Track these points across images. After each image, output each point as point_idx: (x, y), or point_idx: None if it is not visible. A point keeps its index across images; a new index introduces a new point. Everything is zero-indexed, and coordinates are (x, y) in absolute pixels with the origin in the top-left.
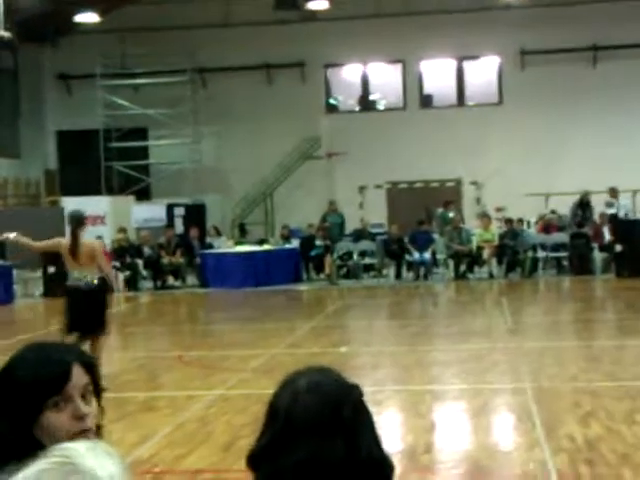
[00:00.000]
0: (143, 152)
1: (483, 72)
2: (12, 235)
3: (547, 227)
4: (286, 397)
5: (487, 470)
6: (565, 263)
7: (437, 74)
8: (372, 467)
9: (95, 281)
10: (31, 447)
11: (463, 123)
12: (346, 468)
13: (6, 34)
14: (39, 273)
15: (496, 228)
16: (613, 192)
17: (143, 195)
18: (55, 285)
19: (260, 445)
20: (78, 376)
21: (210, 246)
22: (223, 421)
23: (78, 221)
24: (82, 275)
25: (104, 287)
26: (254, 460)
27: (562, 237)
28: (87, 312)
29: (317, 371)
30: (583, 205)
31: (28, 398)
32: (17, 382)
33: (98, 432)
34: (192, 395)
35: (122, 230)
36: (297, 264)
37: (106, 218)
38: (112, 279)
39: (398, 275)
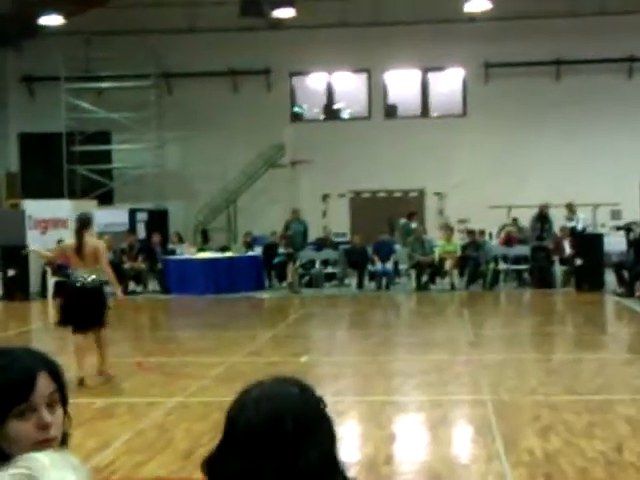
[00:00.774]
0: (106, 156)
1: (447, 84)
2: (32, 248)
3: (509, 240)
4: (236, 407)
5: None
6: (526, 276)
7: (402, 84)
8: None
9: (97, 280)
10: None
11: (427, 134)
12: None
13: None
14: None
15: (458, 239)
16: (570, 208)
17: (106, 199)
18: (14, 288)
19: (211, 451)
20: (44, 384)
21: (172, 252)
22: (183, 428)
23: (84, 223)
24: (86, 274)
25: (103, 285)
26: (206, 465)
27: (523, 250)
28: (87, 309)
29: (276, 383)
30: (542, 218)
31: None
32: None
33: (65, 440)
34: (152, 402)
35: None
36: (259, 272)
37: (68, 222)
38: (113, 280)
39: (360, 285)
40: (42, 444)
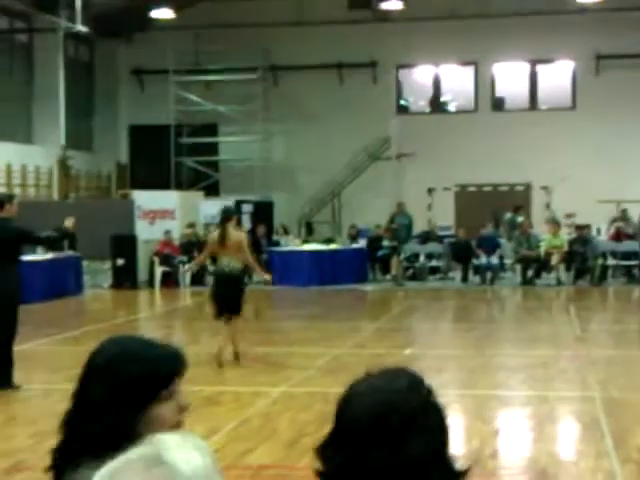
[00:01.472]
0: (213, 148)
1: (556, 76)
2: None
3: (618, 235)
4: (343, 398)
5: (554, 478)
6: (635, 272)
7: (510, 77)
8: (414, 476)
9: (237, 267)
10: (132, 439)
11: (535, 127)
12: (384, 475)
13: (83, 28)
14: (108, 264)
15: (565, 234)
16: None
17: (212, 191)
18: (123, 277)
19: (323, 438)
20: (180, 370)
21: (277, 244)
22: (287, 418)
23: (227, 216)
24: (228, 262)
25: (244, 274)
26: (318, 451)
27: (633, 245)
28: (229, 294)
29: (384, 376)
30: None
31: (141, 391)
32: (131, 376)
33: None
34: (257, 391)
35: (191, 225)
36: (363, 264)
37: (175, 213)
38: (256, 268)
39: (465, 278)
40: (177, 427)
